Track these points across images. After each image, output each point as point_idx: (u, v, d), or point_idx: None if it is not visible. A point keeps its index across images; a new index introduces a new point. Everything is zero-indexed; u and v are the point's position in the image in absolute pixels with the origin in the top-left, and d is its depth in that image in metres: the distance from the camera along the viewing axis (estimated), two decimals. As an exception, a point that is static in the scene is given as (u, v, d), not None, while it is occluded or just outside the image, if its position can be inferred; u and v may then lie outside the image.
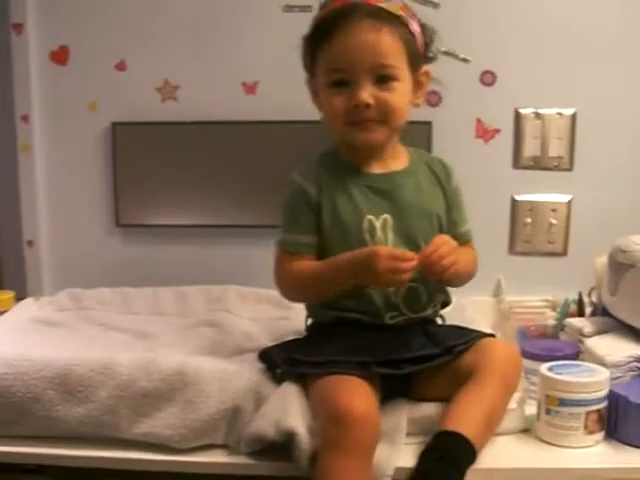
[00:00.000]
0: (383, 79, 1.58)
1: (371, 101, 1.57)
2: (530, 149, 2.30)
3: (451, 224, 1.71)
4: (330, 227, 1.63)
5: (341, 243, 1.61)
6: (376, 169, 1.67)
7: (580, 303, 2.05)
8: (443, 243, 1.55)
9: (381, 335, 1.60)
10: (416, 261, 1.51)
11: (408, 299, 1.63)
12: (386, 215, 1.62)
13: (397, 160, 1.69)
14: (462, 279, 1.70)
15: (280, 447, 1.45)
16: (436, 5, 2.21)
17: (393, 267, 1.50)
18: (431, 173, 1.72)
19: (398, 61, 1.59)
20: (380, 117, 1.59)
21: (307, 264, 1.63)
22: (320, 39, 1.59)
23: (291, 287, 1.67)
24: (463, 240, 1.73)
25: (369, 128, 1.60)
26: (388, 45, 1.57)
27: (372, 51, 1.56)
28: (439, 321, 1.74)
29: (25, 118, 2.39)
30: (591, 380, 1.53)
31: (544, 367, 1.58)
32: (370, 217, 1.62)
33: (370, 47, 1.56)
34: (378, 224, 1.61)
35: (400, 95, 1.60)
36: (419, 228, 1.64)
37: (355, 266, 1.54)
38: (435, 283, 1.65)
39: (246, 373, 1.59)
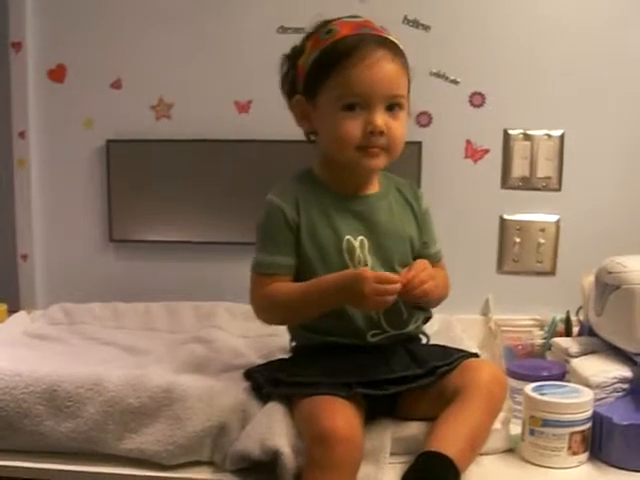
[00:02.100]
0: (392, 107, 1.60)
1: (385, 129, 1.58)
2: (519, 169, 2.32)
3: (422, 246, 1.73)
4: (309, 248, 1.63)
5: (321, 264, 1.62)
6: (351, 191, 1.68)
7: (568, 322, 2.06)
8: (423, 268, 1.57)
9: (365, 356, 1.60)
10: (400, 285, 1.52)
11: (389, 316, 1.63)
12: (362, 237, 1.64)
13: (370, 184, 1.70)
14: (436, 302, 1.71)
15: (265, 465, 1.46)
16: (427, 28, 2.24)
17: (379, 289, 1.50)
18: (401, 196, 1.73)
19: (404, 90, 1.62)
20: (387, 145, 1.60)
21: (285, 286, 1.62)
22: (334, 64, 1.58)
23: (267, 309, 1.66)
24: (434, 260, 1.73)
25: (377, 154, 1.61)
26: (400, 75, 1.60)
27: (389, 81, 1.58)
28: (424, 340, 1.74)
29: (22, 134, 2.43)
30: (575, 401, 1.54)
31: (528, 388, 1.59)
32: (348, 237, 1.62)
33: (388, 77, 1.58)
34: (357, 244, 1.63)
35: (404, 123, 1.63)
36: (394, 250, 1.66)
37: (340, 288, 1.54)
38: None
39: (233, 391, 1.60)
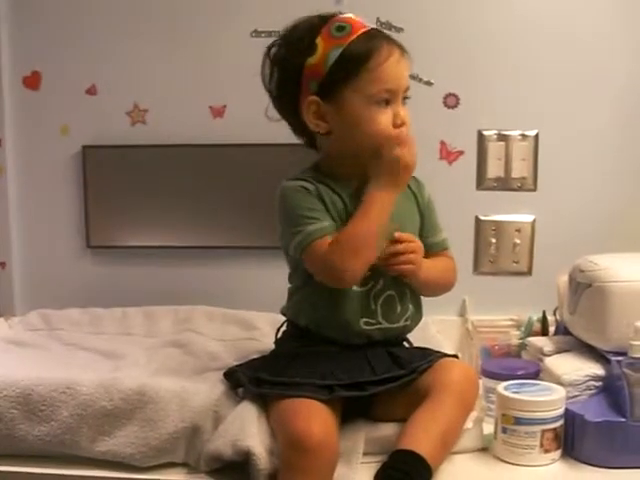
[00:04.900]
0: (404, 99, 1.64)
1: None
2: (494, 170, 2.33)
3: (425, 233, 1.74)
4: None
5: None
6: (359, 184, 1.66)
7: (544, 322, 2.07)
8: (413, 240, 1.61)
9: (347, 357, 1.62)
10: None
11: (385, 306, 1.64)
12: None
13: None
14: (433, 287, 1.73)
15: (239, 465, 1.47)
16: (399, 29, 2.24)
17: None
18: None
19: None
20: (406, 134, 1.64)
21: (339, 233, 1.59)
22: (363, 62, 1.58)
23: (338, 256, 1.56)
24: (439, 249, 1.75)
25: None
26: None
27: (407, 75, 1.64)
28: (405, 345, 1.75)
29: (-2, 142, 2.43)
30: (546, 399, 1.55)
31: (500, 386, 1.60)
32: None
33: (406, 71, 1.63)
34: None
35: None
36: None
37: (379, 177, 1.58)
38: (410, 294, 1.68)
39: (205, 392, 1.61)
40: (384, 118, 1.60)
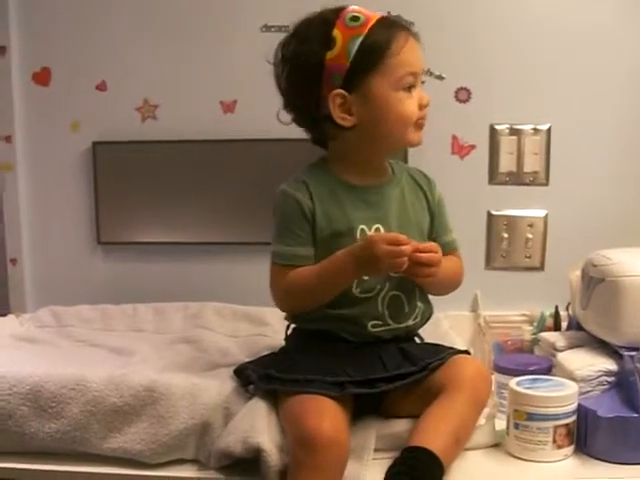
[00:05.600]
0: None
1: None
2: (506, 164, 2.32)
3: (435, 234, 1.73)
4: (324, 237, 1.63)
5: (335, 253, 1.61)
6: (365, 181, 1.67)
7: (556, 317, 2.06)
8: (437, 250, 1.59)
9: (359, 354, 1.61)
10: (410, 246, 1.52)
11: (392, 307, 1.64)
12: (378, 225, 1.64)
13: (383, 172, 1.71)
14: (443, 288, 1.72)
15: (250, 462, 1.46)
16: (410, 24, 2.22)
17: (391, 250, 1.51)
18: (415, 184, 1.74)
19: None
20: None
21: (302, 271, 1.61)
22: (386, 48, 1.58)
23: (289, 298, 1.65)
24: (448, 249, 1.74)
25: (423, 127, 1.66)
26: None
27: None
28: (417, 340, 1.74)
29: (8, 138, 2.43)
30: (558, 394, 1.54)
31: (513, 382, 1.59)
32: (363, 226, 1.62)
33: (421, 53, 1.64)
34: (371, 233, 1.62)
35: None
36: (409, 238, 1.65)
37: (354, 258, 1.54)
38: (418, 292, 1.68)
39: (215, 388, 1.60)
40: (411, 102, 1.61)
